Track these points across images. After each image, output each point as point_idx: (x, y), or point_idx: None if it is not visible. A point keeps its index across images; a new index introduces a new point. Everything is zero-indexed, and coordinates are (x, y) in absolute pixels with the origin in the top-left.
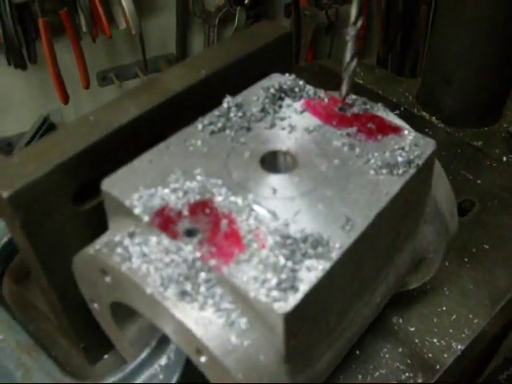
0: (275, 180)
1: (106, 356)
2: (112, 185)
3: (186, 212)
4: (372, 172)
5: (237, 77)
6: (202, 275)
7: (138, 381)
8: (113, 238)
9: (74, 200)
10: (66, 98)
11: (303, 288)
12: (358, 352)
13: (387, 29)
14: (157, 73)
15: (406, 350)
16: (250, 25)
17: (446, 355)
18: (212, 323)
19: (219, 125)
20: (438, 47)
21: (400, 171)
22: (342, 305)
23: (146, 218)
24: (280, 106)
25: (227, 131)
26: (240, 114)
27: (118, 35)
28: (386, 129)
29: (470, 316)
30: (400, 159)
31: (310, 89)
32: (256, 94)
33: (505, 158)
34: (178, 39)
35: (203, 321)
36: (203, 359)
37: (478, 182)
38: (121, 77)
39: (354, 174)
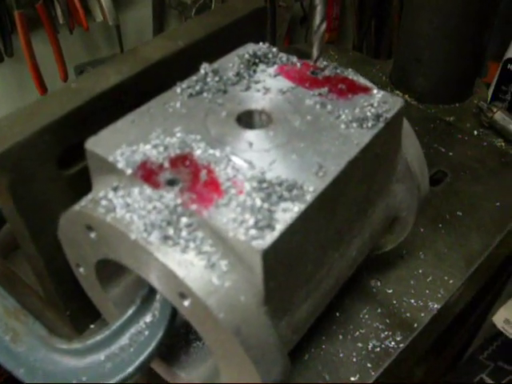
0: (251, 135)
1: (92, 326)
2: (96, 143)
3: (166, 164)
4: (343, 126)
5: (213, 49)
6: (184, 220)
7: (124, 337)
8: (97, 194)
9: (59, 164)
10: (44, 91)
11: (279, 227)
12: (337, 314)
13: (361, 16)
14: None
15: (385, 311)
16: None
17: (422, 314)
18: (194, 265)
19: (197, 88)
20: (409, 27)
21: (369, 124)
22: (317, 251)
23: (128, 171)
24: (254, 71)
25: (204, 94)
26: (217, 78)
27: (94, 28)
28: (356, 89)
29: (446, 278)
30: (369, 114)
31: (282, 55)
32: (231, 61)
33: (476, 132)
34: (154, 31)
35: (185, 263)
36: (186, 303)
37: (450, 154)
38: None
39: (326, 128)
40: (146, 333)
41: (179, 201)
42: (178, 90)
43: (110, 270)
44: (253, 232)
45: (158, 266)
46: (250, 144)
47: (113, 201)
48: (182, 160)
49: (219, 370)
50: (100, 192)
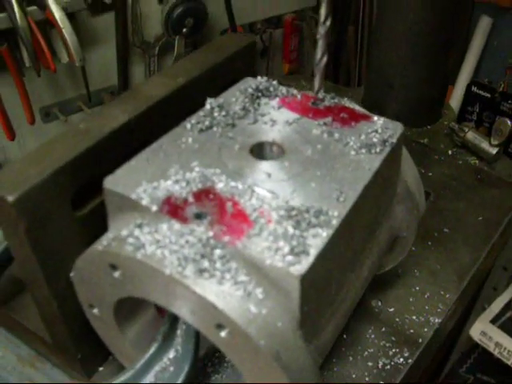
0: (267, 166)
1: (100, 368)
2: (115, 182)
3: (191, 199)
4: (353, 152)
5: (210, 84)
6: (217, 252)
7: (149, 376)
8: (119, 233)
9: (72, 205)
10: (12, 135)
11: (313, 252)
12: (345, 336)
13: None
14: (100, 105)
15: (389, 329)
16: (189, 52)
17: (425, 329)
18: (231, 295)
19: (206, 123)
20: (379, 55)
21: (378, 149)
22: (339, 273)
23: (154, 208)
24: (259, 104)
25: (214, 128)
26: (223, 113)
27: (60, 69)
28: (357, 117)
29: (442, 292)
30: (375, 140)
31: (282, 88)
32: (234, 96)
33: (450, 152)
34: (119, 71)
35: (223, 294)
36: (223, 333)
37: (430, 174)
38: (64, 111)
39: (337, 156)
40: (171, 369)
41: (211, 233)
42: (188, 125)
43: (126, 310)
44: (289, 258)
45: (195, 299)
46: (269, 175)
47: (140, 238)
48: (206, 194)
49: None
50: (123, 230)
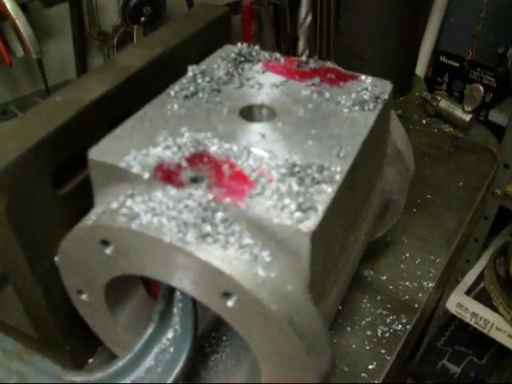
0: (260, 127)
1: (90, 360)
2: (100, 153)
3: (185, 164)
4: (346, 110)
5: (188, 53)
6: (219, 215)
7: (149, 358)
8: (109, 206)
9: (53, 183)
10: None
11: (321, 208)
12: (340, 307)
13: (277, 29)
14: None
15: (384, 297)
16: None
17: (420, 294)
18: (238, 260)
19: (191, 89)
20: (348, 27)
21: (370, 106)
22: (342, 233)
23: (146, 175)
24: (242, 69)
25: (200, 94)
26: (207, 78)
27: (15, 64)
28: (345, 77)
29: (432, 257)
30: (367, 97)
31: (265, 53)
32: (216, 62)
33: (424, 121)
34: (77, 63)
35: (228, 259)
36: (231, 302)
37: None
38: (22, 108)
39: (331, 114)
40: (171, 349)
41: (210, 196)
42: (172, 92)
43: (116, 293)
44: (298, 215)
45: (198, 267)
46: (263, 135)
47: (133, 208)
48: (200, 158)
49: (261, 370)
50: (113, 203)
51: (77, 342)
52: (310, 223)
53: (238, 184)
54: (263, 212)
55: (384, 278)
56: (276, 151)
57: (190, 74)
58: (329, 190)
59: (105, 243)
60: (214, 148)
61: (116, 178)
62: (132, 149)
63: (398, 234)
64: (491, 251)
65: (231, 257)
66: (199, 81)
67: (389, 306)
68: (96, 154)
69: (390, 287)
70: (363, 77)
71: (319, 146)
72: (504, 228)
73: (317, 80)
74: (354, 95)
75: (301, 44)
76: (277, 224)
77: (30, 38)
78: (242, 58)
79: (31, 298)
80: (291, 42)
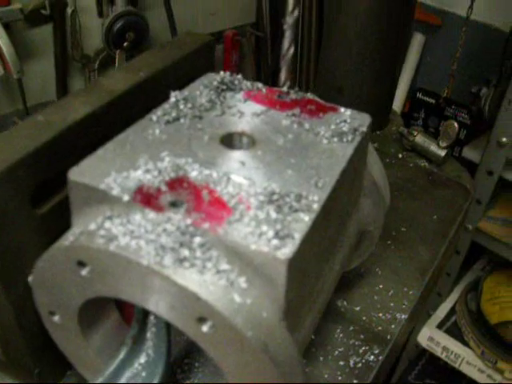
0: (240, 155)
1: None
2: (80, 173)
3: (164, 188)
4: (325, 141)
5: (170, 80)
6: (197, 240)
7: (121, 382)
8: (87, 227)
9: (31, 201)
10: None
11: (298, 236)
12: (313, 337)
13: (259, 59)
14: None
15: (357, 328)
16: None
17: (393, 326)
18: (214, 285)
19: (173, 114)
20: (328, 60)
21: (349, 138)
22: (318, 262)
23: (125, 198)
24: (224, 97)
25: (181, 120)
26: (189, 105)
27: None
28: (324, 108)
29: (405, 289)
30: (345, 129)
31: (247, 82)
32: (198, 89)
33: (400, 155)
34: (58, 85)
35: (205, 284)
36: (205, 328)
37: None
38: (0, 127)
39: (310, 145)
40: (144, 374)
41: (189, 221)
42: (154, 117)
43: (90, 315)
44: (275, 242)
45: (174, 291)
46: (242, 163)
47: (111, 229)
48: (179, 182)
49: None
50: (90, 224)
51: (46, 364)
52: (287, 250)
53: (216, 210)
54: (241, 238)
55: (357, 308)
56: (255, 178)
57: (172, 99)
58: (306, 219)
59: (81, 264)
60: (194, 173)
61: (95, 200)
62: (112, 171)
63: (372, 265)
64: (463, 286)
65: (208, 282)
66: (181, 107)
67: (362, 336)
68: (76, 174)
69: (363, 318)
70: (342, 109)
71: (298, 175)
72: (475, 263)
73: (297, 110)
74: (333, 126)
75: (282, 75)
76: (254, 250)
77: (11, 57)
78: (224, 87)
79: (2, 320)
80: (271, 73)
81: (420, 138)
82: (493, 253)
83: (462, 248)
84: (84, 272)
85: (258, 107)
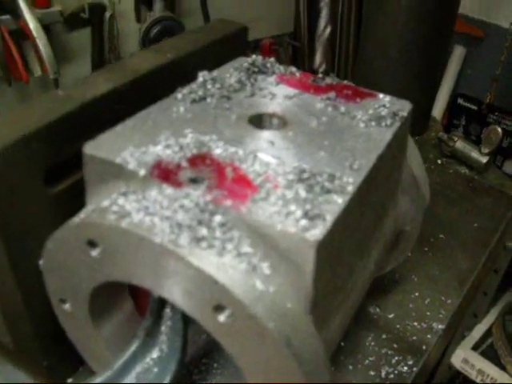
0: (269, 135)
1: (69, 380)
2: (96, 147)
3: (185, 164)
4: (362, 125)
5: (198, 63)
6: (217, 218)
7: (130, 377)
8: (100, 204)
9: (45, 180)
10: None
11: (329, 217)
12: (342, 344)
13: None
14: None
15: (390, 336)
16: None
17: (429, 336)
18: (234, 269)
19: (200, 93)
20: (367, 61)
21: (388, 122)
22: (349, 255)
23: (142, 172)
24: (255, 79)
25: (208, 99)
26: (218, 85)
27: (31, 82)
28: (362, 94)
29: (443, 298)
30: (384, 114)
31: (280, 66)
32: (228, 72)
33: (439, 161)
34: None
35: (224, 267)
36: (222, 317)
37: None
38: None
39: (345, 128)
40: (155, 370)
41: (209, 197)
42: (179, 95)
43: (101, 304)
44: (304, 223)
45: (190, 275)
46: (272, 143)
47: (125, 206)
48: (202, 159)
49: None
50: (104, 201)
51: (56, 357)
52: (317, 232)
53: (240, 188)
54: (266, 217)
55: (391, 316)
56: (284, 158)
57: (200, 79)
58: (339, 201)
59: (92, 244)
60: (218, 150)
61: (111, 176)
62: (130, 146)
63: (408, 271)
64: (500, 307)
65: (227, 265)
66: (209, 87)
67: (395, 345)
68: (92, 148)
69: (397, 326)
70: (381, 95)
71: (331, 156)
72: None
73: (332, 94)
74: (371, 111)
75: (317, 57)
76: (280, 231)
77: (49, 58)
78: (256, 69)
79: (10, 302)
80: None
81: (460, 144)
82: None
83: (500, 267)
84: (95, 253)
85: (291, 90)
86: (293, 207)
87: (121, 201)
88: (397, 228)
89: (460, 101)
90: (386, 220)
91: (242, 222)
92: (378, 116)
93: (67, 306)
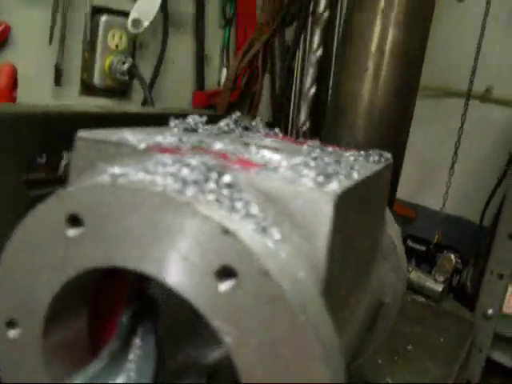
0: (266, 153)
1: None
2: (91, 133)
3: (186, 148)
4: (352, 158)
5: None
6: (226, 178)
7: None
8: (87, 182)
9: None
10: None
11: (344, 180)
12: None
13: None
14: None
15: None
16: None
17: None
18: (244, 227)
19: (192, 125)
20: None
21: (376, 159)
22: (352, 270)
23: (142, 145)
24: (244, 129)
25: (200, 130)
26: (207, 127)
27: None
28: (346, 149)
29: None
30: (371, 152)
31: (265, 127)
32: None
33: None
34: None
35: (234, 221)
36: (224, 286)
37: None
38: None
39: (335, 161)
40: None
41: (216, 161)
42: (172, 124)
43: (57, 330)
44: (320, 179)
45: (195, 225)
46: (269, 155)
47: (121, 170)
48: (203, 150)
49: None
50: (93, 178)
51: None
52: (334, 187)
53: (247, 164)
54: (277, 179)
55: None
56: (286, 158)
57: (190, 120)
58: (347, 181)
59: (73, 220)
60: (218, 146)
61: (104, 158)
62: (129, 135)
63: (382, 376)
64: None
65: (236, 221)
66: (199, 125)
67: None
68: (86, 133)
69: None
70: (362, 152)
71: (329, 167)
72: None
73: (317, 144)
74: (357, 153)
75: (302, 115)
76: (293, 191)
77: None
78: (243, 125)
79: None
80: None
81: (415, 275)
82: None
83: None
84: (74, 232)
85: (278, 140)
86: (305, 171)
87: (116, 169)
88: (378, 299)
89: (409, 242)
90: (371, 276)
91: (252, 185)
92: (366, 154)
93: (14, 332)
